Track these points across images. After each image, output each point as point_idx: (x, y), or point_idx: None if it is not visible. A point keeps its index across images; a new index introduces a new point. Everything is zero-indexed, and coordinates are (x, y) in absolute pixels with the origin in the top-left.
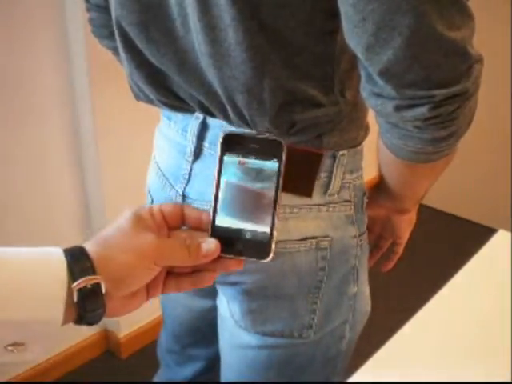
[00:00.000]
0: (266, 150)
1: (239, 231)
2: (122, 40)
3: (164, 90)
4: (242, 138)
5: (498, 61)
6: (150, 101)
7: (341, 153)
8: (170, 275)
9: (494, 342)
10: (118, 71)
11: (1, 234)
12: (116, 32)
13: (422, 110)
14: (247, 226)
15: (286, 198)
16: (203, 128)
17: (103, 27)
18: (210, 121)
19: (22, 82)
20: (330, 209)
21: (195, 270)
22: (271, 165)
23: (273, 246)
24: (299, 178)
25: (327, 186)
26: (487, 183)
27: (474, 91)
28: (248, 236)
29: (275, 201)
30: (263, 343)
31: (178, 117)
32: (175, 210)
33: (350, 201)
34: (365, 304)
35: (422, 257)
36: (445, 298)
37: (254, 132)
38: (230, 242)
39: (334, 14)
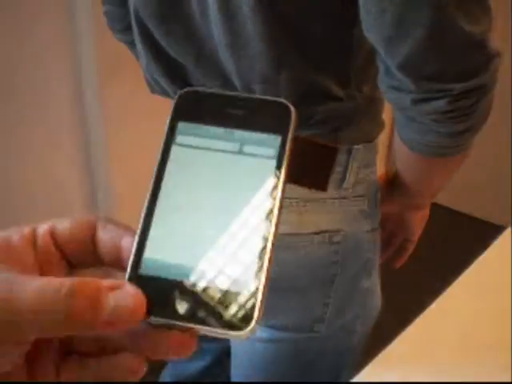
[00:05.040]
0: (257, 119)
1: (190, 275)
2: (139, 31)
3: (180, 82)
4: (214, 99)
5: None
6: (165, 93)
7: (356, 147)
8: (71, 354)
9: (500, 341)
10: (128, 66)
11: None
12: (133, 23)
13: (440, 104)
14: (209, 267)
15: (300, 192)
16: None
17: (118, 20)
18: None
19: (28, 80)
20: (344, 203)
21: (105, 349)
22: (267, 146)
23: (258, 309)
24: (314, 171)
25: (342, 180)
26: (496, 181)
27: (492, 85)
28: (208, 286)
29: (271, 220)
30: (274, 337)
31: None
32: (81, 233)
33: (363, 195)
34: (376, 299)
35: (429, 254)
36: (453, 297)
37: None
38: (171, 295)
39: (352, 8)
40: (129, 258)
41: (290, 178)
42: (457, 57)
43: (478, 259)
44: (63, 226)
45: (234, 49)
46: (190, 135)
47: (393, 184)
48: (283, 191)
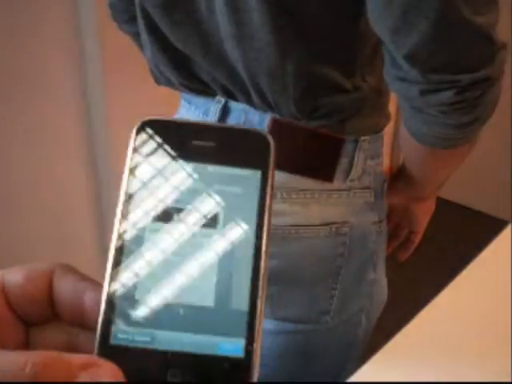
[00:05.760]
0: (233, 152)
1: (171, 343)
2: (145, 23)
3: (186, 73)
4: (179, 130)
5: None
6: (170, 84)
7: (363, 138)
8: None
9: (501, 339)
10: (132, 60)
11: (15, 227)
12: (139, 15)
13: (448, 95)
14: (193, 331)
15: (306, 183)
16: (225, 112)
17: (123, 12)
18: (232, 104)
19: (32, 76)
20: (351, 194)
21: None
22: (247, 182)
23: (255, 373)
24: (321, 162)
25: (348, 171)
26: (500, 175)
27: (499, 77)
28: (194, 353)
29: (256, 270)
30: (280, 329)
31: (199, 101)
32: (35, 288)
33: (370, 187)
34: (382, 292)
35: (433, 249)
36: (453, 295)
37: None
38: (151, 368)
39: None
40: (94, 317)
41: (297, 170)
42: (463, 48)
43: (480, 255)
44: (14, 280)
45: (240, 40)
46: (155, 173)
47: (399, 175)
48: (268, 236)
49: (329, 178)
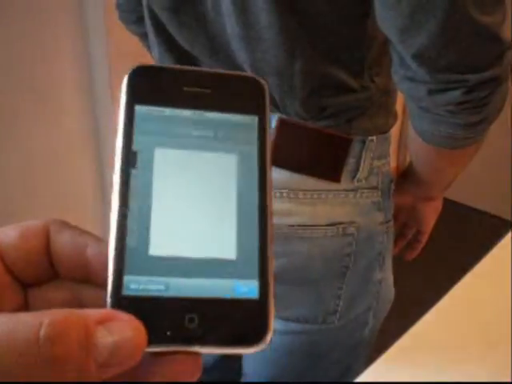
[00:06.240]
0: (229, 98)
1: (185, 289)
2: (152, 24)
3: None
4: (174, 76)
5: None
6: None
7: (370, 138)
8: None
9: (505, 339)
10: (139, 60)
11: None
12: (146, 16)
13: (455, 94)
14: (206, 275)
15: (313, 183)
16: None
17: (131, 12)
18: None
19: (37, 76)
20: (358, 195)
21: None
22: (245, 128)
23: (271, 314)
24: (328, 162)
25: (355, 171)
26: (507, 175)
27: (506, 77)
28: (208, 297)
29: (263, 208)
30: (287, 329)
31: None
32: (30, 245)
33: (377, 187)
34: (388, 291)
35: (439, 250)
36: (460, 294)
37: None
38: (167, 315)
39: None
40: (99, 270)
41: (304, 170)
42: (471, 48)
43: (486, 257)
44: (8, 240)
45: (247, 41)
46: (152, 121)
47: (406, 175)
48: (270, 178)
49: (336, 178)
